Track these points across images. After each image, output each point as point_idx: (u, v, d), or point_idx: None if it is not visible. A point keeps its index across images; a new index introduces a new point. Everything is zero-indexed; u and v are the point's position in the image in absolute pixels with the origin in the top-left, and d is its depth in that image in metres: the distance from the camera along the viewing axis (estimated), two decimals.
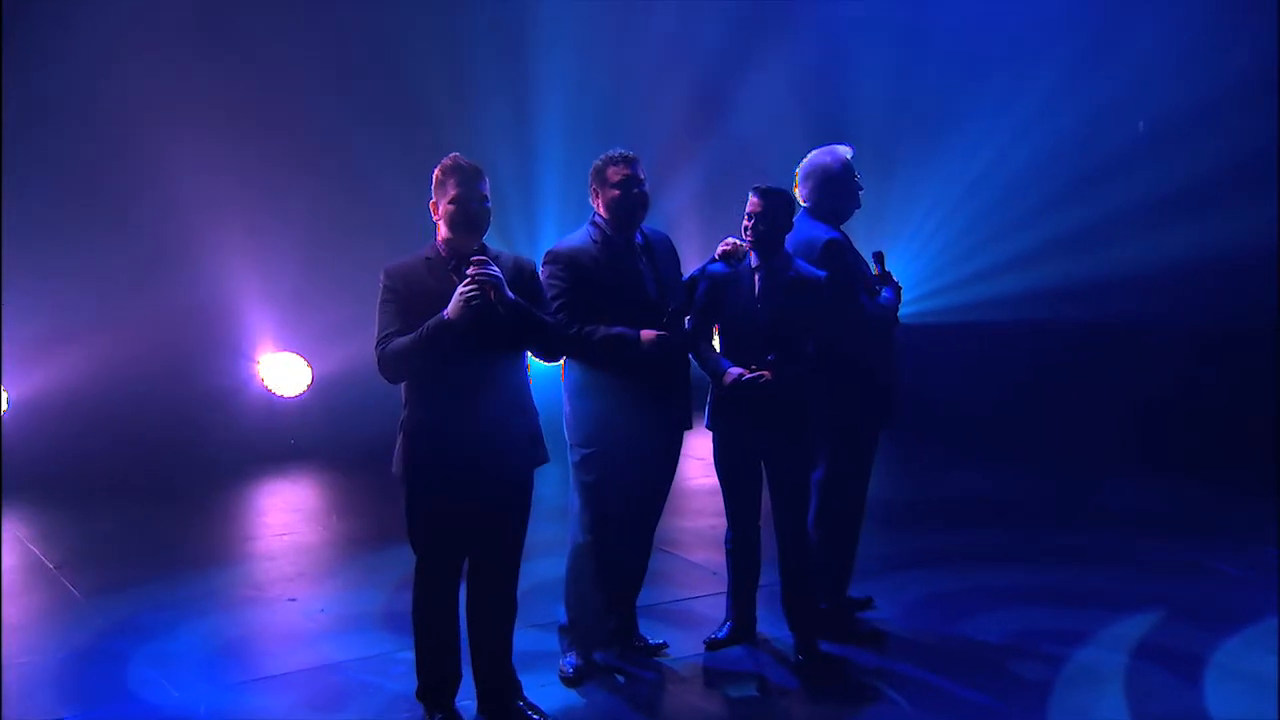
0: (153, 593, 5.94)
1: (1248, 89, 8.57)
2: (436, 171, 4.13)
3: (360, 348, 8.71)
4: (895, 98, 10.17)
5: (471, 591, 4.30)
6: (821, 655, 4.97)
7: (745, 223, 4.80)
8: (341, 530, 7.30)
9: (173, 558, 6.56)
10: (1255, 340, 8.31)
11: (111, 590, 5.99)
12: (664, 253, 4.91)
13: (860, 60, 10.25)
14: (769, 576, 5.13)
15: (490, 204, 4.14)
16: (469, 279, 3.92)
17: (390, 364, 4.05)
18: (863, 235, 5.42)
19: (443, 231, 4.14)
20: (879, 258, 5.23)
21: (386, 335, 4.05)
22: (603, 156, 4.76)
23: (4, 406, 8.22)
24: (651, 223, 4.91)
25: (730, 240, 4.94)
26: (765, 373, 4.71)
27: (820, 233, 5.03)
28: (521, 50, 9.77)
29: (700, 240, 7.44)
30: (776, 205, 4.77)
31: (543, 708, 4.41)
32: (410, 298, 4.05)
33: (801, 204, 5.11)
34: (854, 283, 5.02)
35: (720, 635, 5.13)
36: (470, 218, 4.08)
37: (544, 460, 4.27)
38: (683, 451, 5.00)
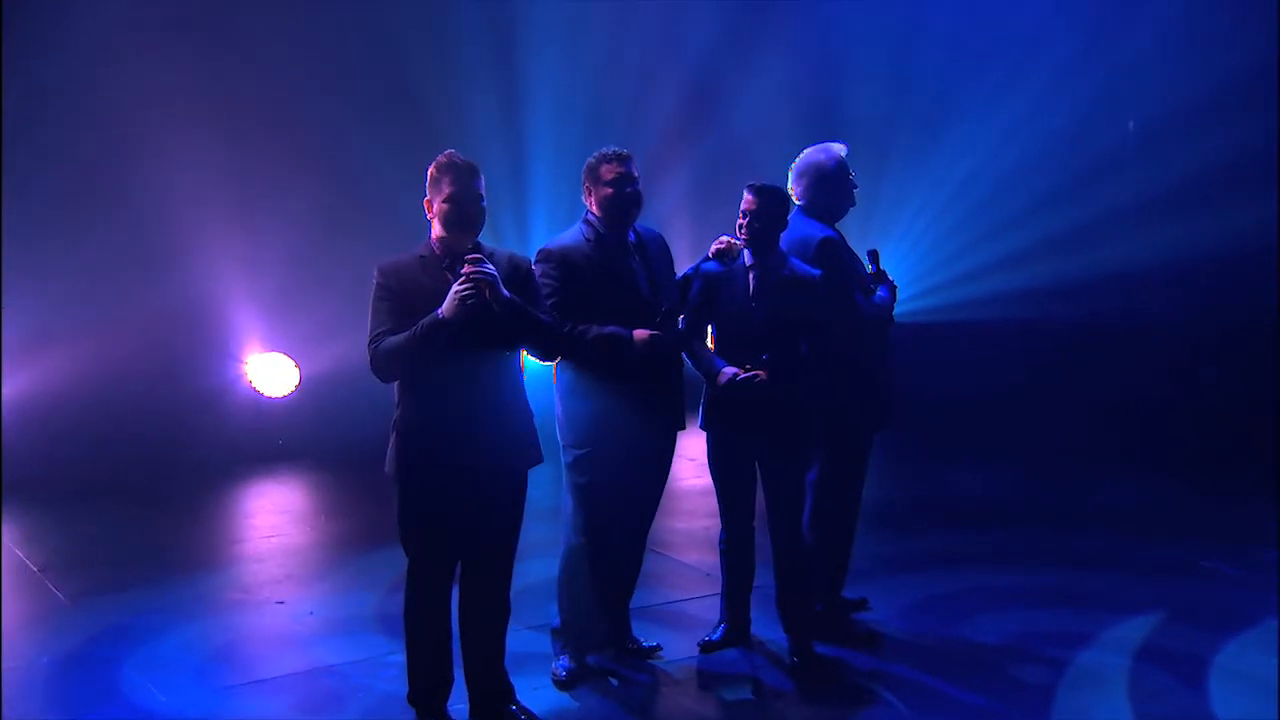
0: (139, 596, 5.88)
1: (1243, 86, 8.57)
2: (431, 169, 4.08)
3: (348, 348, 8.74)
4: (887, 96, 10.15)
5: (464, 594, 4.25)
6: (817, 657, 4.94)
7: (740, 220, 4.75)
8: (330, 532, 7.25)
9: (159, 560, 6.50)
10: (1254, 339, 8.31)
11: (97, 594, 5.92)
12: (657, 251, 4.87)
13: (852, 58, 10.22)
14: (763, 578, 5.09)
15: (485, 202, 4.09)
16: (464, 277, 3.87)
17: (383, 362, 4.00)
18: (854, 233, 5.38)
19: (437, 230, 4.09)
20: (874, 256, 5.19)
21: (379, 333, 4.00)
22: (596, 154, 4.71)
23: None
24: (643, 221, 4.87)
25: (724, 238, 4.90)
26: (760, 372, 4.66)
27: (815, 231, 5.00)
28: (513, 47, 9.71)
29: (692, 238, 7.41)
30: (771, 203, 4.73)
31: (535, 711, 4.37)
32: (404, 296, 4.01)
33: (796, 202, 5.06)
34: (849, 281, 4.99)
35: (714, 637, 5.09)
36: (465, 216, 4.03)
37: (538, 461, 4.23)
38: (675, 452, 4.95)
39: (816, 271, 4.84)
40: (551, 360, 4.53)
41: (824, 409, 4.96)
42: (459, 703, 4.33)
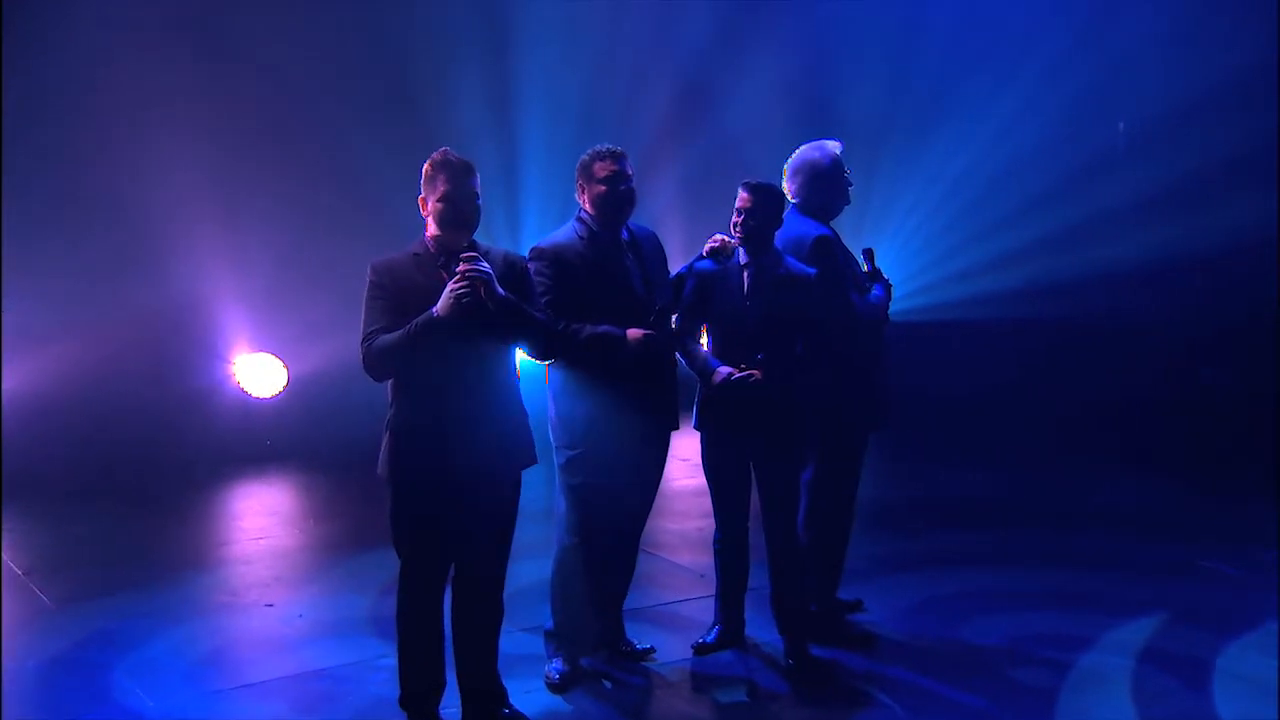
0: (126, 599, 5.81)
1: (1237, 84, 8.57)
2: (426, 166, 4.03)
3: (337, 348, 8.70)
4: (880, 93, 10.13)
5: (457, 596, 4.20)
6: (812, 659, 4.90)
7: (734, 218, 4.72)
8: (319, 534, 7.19)
9: (146, 563, 6.44)
10: (1254, 337, 8.30)
11: (83, 597, 5.85)
12: (651, 250, 4.83)
13: (846, 55, 10.21)
14: (758, 579, 5.05)
15: (480, 200, 4.04)
16: (459, 275, 3.83)
17: (376, 361, 3.95)
18: (847, 230, 5.35)
19: (432, 228, 4.05)
20: (869, 255, 5.16)
21: (373, 331, 3.96)
22: (589, 152, 4.67)
23: None
24: (635, 218, 4.83)
25: (718, 237, 4.87)
26: (755, 372, 4.63)
27: (810, 229, 4.97)
28: (505, 44, 9.68)
29: (684, 236, 7.37)
30: (767, 201, 4.69)
31: (528, 714, 4.32)
32: (398, 294, 3.96)
33: (790, 200, 5.02)
34: (844, 280, 4.95)
35: (708, 639, 5.05)
36: (460, 215, 3.99)
37: (532, 462, 4.19)
38: (669, 452, 4.91)
39: (812, 270, 4.80)
40: (546, 360, 4.48)
41: (819, 408, 4.93)
42: (451, 706, 4.27)
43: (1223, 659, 4.91)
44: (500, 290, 3.88)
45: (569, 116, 9.47)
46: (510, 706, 4.30)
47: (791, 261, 4.79)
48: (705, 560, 5.43)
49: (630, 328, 4.56)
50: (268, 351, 9.33)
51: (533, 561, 5.06)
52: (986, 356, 9.57)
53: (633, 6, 10.01)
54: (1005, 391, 9.39)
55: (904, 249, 10.15)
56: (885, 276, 5.15)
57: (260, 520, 7.57)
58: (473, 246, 3.95)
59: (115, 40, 8.34)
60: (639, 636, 5.03)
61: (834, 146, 5.10)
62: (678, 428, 4.86)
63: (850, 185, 5.15)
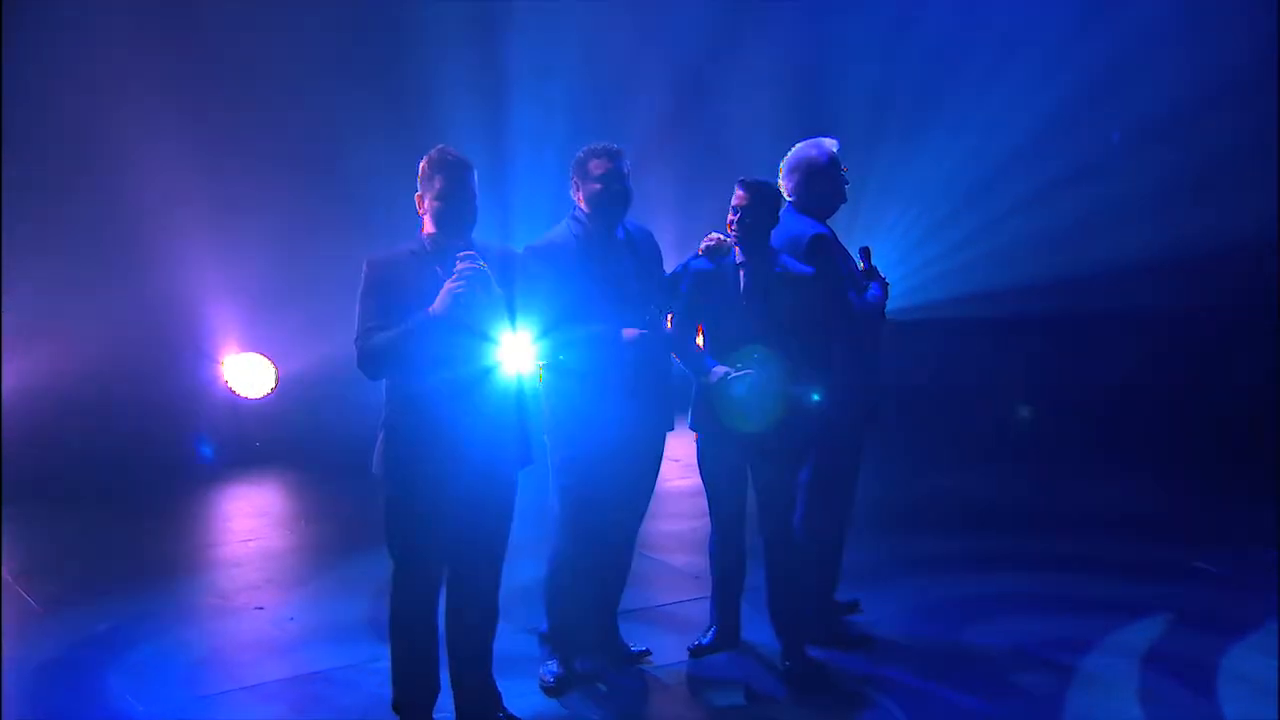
0: (114, 602, 5.75)
1: (1235, 82, 8.55)
2: (423, 164, 4.00)
3: (327, 348, 8.64)
4: (874, 89, 10.08)
5: (451, 598, 4.16)
6: (809, 661, 4.85)
7: (730, 216, 4.68)
8: (309, 536, 7.15)
9: (134, 566, 6.37)
10: (1253, 336, 8.28)
11: (70, 600, 5.79)
12: (646, 249, 4.78)
13: (838, 52, 10.17)
14: (754, 580, 5.01)
15: (478, 199, 4.00)
16: (456, 274, 3.78)
17: (371, 359, 3.91)
18: (840, 228, 5.31)
19: (428, 225, 4.01)
20: (865, 253, 5.12)
21: (368, 329, 3.91)
22: (584, 149, 4.63)
23: None
24: (627, 216, 4.76)
25: (714, 235, 4.82)
26: (751, 371, 4.58)
27: (806, 228, 4.92)
28: (496, 40, 9.62)
29: (676, 235, 7.32)
30: (763, 198, 4.65)
31: (522, 718, 4.28)
32: (393, 290, 3.93)
33: (786, 198, 4.98)
34: (841, 279, 4.91)
35: (704, 641, 5.01)
36: (458, 215, 3.95)
37: (528, 462, 4.16)
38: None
39: (808, 269, 4.76)
40: (542, 359, 4.46)
41: (816, 408, 4.87)
42: (445, 710, 4.23)
43: (1222, 660, 4.88)
44: (498, 290, 3.83)
45: (560, 113, 9.42)
46: (505, 710, 4.26)
47: (788, 260, 4.75)
48: (700, 561, 5.39)
49: (625, 327, 4.52)
50: (257, 351, 9.26)
51: (527, 562, 5.01)
52: (982, 354, 9.53)
53: (625, 2, 9.96)
54: (1002, 390, 9.36)
55: (897, 246, 10.11)
56: (882, 275, 5.11)
57: (250, 522, 7.51)
58: (470, 245, 3.90)
59: (104, 37, 8.26)
60: (634, 639, 4.99)
61: (830, 144, 5.06)
62: (673, 428, 4.83)
63: (847, 183, 5.11)
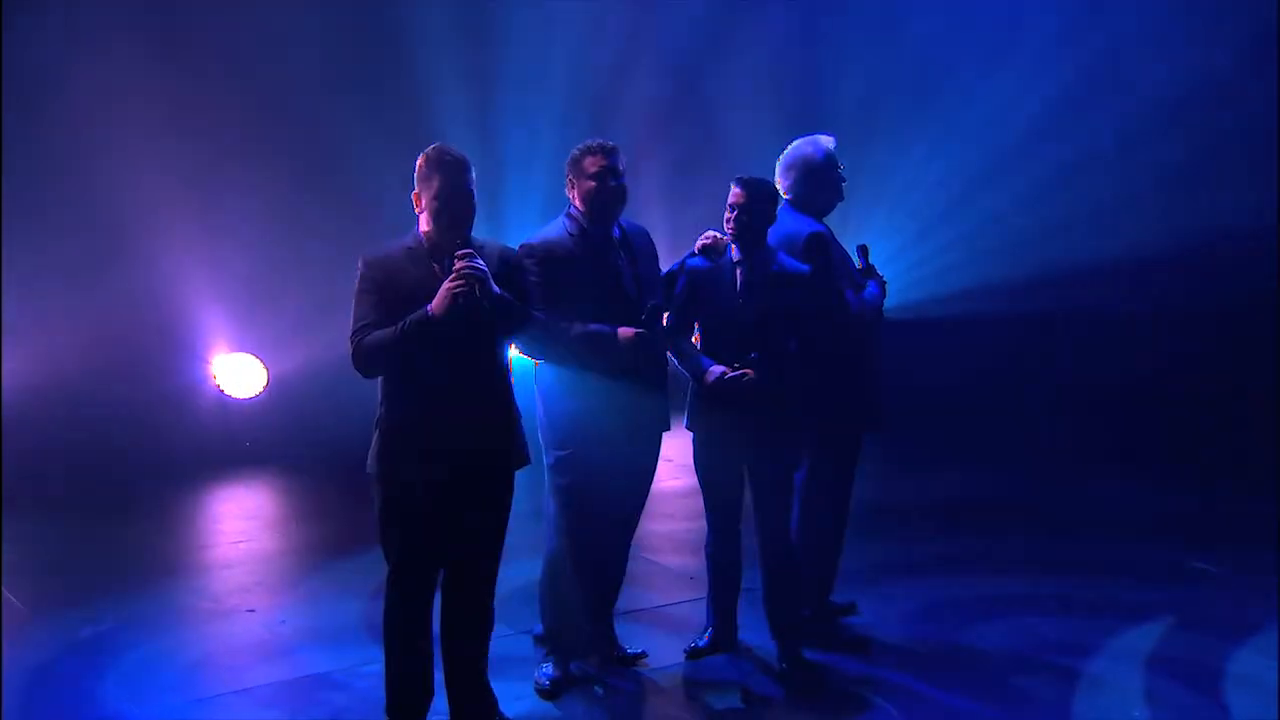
0: (103, 605, 5.68)
1: (1227, 80, 8.54)
2: (420, 162, 3.94)
3: (318, 347, 8.57)
4: (869, 83, 10.05)
5: (446, 600, 4.11)
6: (806, 663, 4.82)
7: (727, 215, 4.64)
8: (301, 537, 7.10)
9: (124, 568, 6.32)
10: (1253, 334, 8.26)
11: (58, 604, 5.72)
12: (642, 247, 4.74)
13: (833, 45, 10.14)
14: (750, 581, 4.98)
15: (475, 198, 3.95)
16: (455, 274, 3.74)
17: (367, 358, 3.86)
18: (834, 226, 5.27)
19: (425, 224, 3.96)
20: (863, 251, 5.09)
21: (363, 326, 3.87)
22: (580, 146, 4.58)
23: None
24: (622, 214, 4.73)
25: (711, 233, 4.78)
26: (748, 371, 4.55)
27: (803, 226, 4.89)
28: (487, 35, 9.59)
29: (669, 232, 7.28)
30: (760, 196, 4.62)
31: None
32: (389, 288, 3.88)
33: (783, 196, 4.94)
34: (839, 277, 4.87)
35: (701, 644, 4.97)
36: (456, 216, 3.90)
37: (525, 462, 4.10)
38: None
39: (805, 267, 4.72)
40: (540, 358, 4.42)
41: (813, 408, 4.84)
42: (439, 714, 4.17)
43: (1222, 662, 4.86)
44: (495, 288, 3.80)
45: (552, 109, 9.39)
46: (500, 714, 4.21)
47: (785, 258, 4.71)
48: (696, 562, 5.35)
49: (621, 326, 4.48)
50: (247, 351, 9.23)
51: (522, 564, 4.97)
52: (976, 353, 9.51)
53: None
54: (997, 389, 9.33)
55: (891, 243, 10.07)
56: (879, 273, 5.08)
57: (240, 523, 7.46)
58: (468, 243, 3.86)
59: (91, 36, 8.24)
60: (630, 640, 4.96)
61: (827, 142, 5.04)
62: (669, 428, 4.78)
63: (844, 181, 5.08)
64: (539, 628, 4.77)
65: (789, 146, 5.06)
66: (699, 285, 4.70)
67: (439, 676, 4.16)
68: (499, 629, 4.28)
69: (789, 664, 4.79)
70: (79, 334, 8.22)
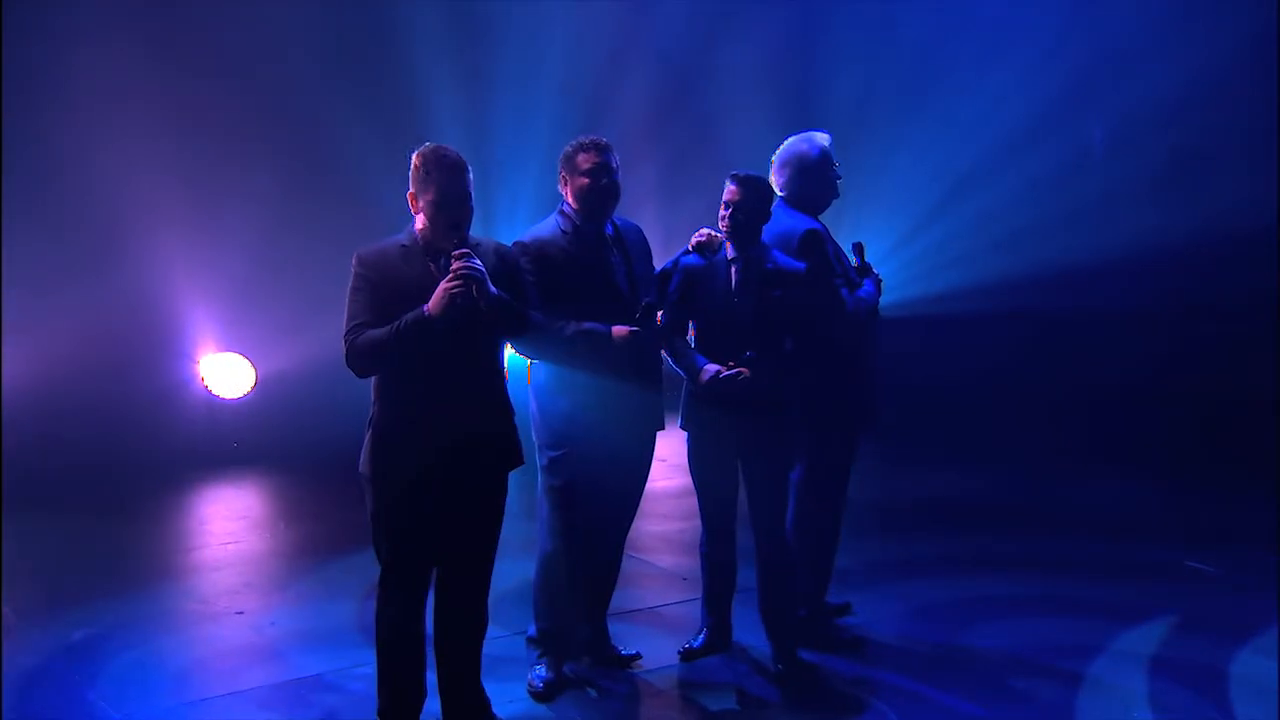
0: (90, 608, 5.61)
1: (1223, 80, 8.53)
2: (417, 161, 3.87)
3: (306, 347, 8.49)
4: (864, 80, 10.03)
5: (440, 602, 4.06)
6: (802, 664, 4.80)
7: (722, 212, 4.60)
8: (290, 538, 7.04)
9: (110, 570, 6.24)
10: (1253, 335, 8.24)
11: (44, 606, 5.65)
12: (636, 244, 4.72)
13: (827, 40, 10.12)
14: (744, 581, 4.94)
15: (473, 200, 3.90)
16: (453, 274, 3.69)
17: (361, 357, 3.81)
18: (828, 223, 5.24)
19: (421, 223, 3.90)
20: (859, 249, 5.06)
21: (357, 325, 3.81)
22: (573, 143, 4.55)
23: None
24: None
25: (705, 231, 4.74)
26: (743, 370, 4.51)
27: (799, 223, 4.86)
28: (478, 32, 9.54)
29: (663, 230, 7.25)
30: (754, 193, 4.58)
31: None
32: (384, 286, 3.82)
33: (778, 193, 4.91)
34: (834, 275, 4.84)
35: (695, 644, 4.93)
36: (453, 220, 3.84)
37: (519, 463, 4.06)
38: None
39: (801, 265, 4.69)
40: (533, 356, 4.39)
41: (808, 406, 4.81)
42: (431, 716, 4.12)
43: (1221, 663, 4.84)
44: (493, 289, 3.76)
45: (544, 106, 9.35)
46: (493, 717, 4.15)
47: (780, 256, 4.68)
48: (689, 562, 5.32)
49: (615, 325, 4.44)
50: (235, 351, 9.16)
51: (515, 564, 4.94)
52: (972, 351, 9.47)
53: None
54: (993, 387, 9.31)
55: (884, 241, 10.04)
56: (875, 271, 5.05)
57: (228, 524, 7.39)
58: (465, 242, 3.81)
59: (81, 33, 8.17)
60: (624, 641, 4.92)
61: (822, 138, 5.00)
62: (663, 428, 4.76)
63: (839, 178, 5.05)
64: (532, 629, 4.73)
65: (784, 143, 5.03)
66: (693, 283, 4.67)
67: (431, 678, 4.11)
68: (492, 630, 4.23)
69: (784, 665, 4.76)
70: (64, 333, 8.13)
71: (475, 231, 3.98)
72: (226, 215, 8.74)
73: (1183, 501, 7.46)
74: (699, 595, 5.01)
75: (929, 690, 4.65)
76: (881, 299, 5.08)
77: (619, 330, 4.43)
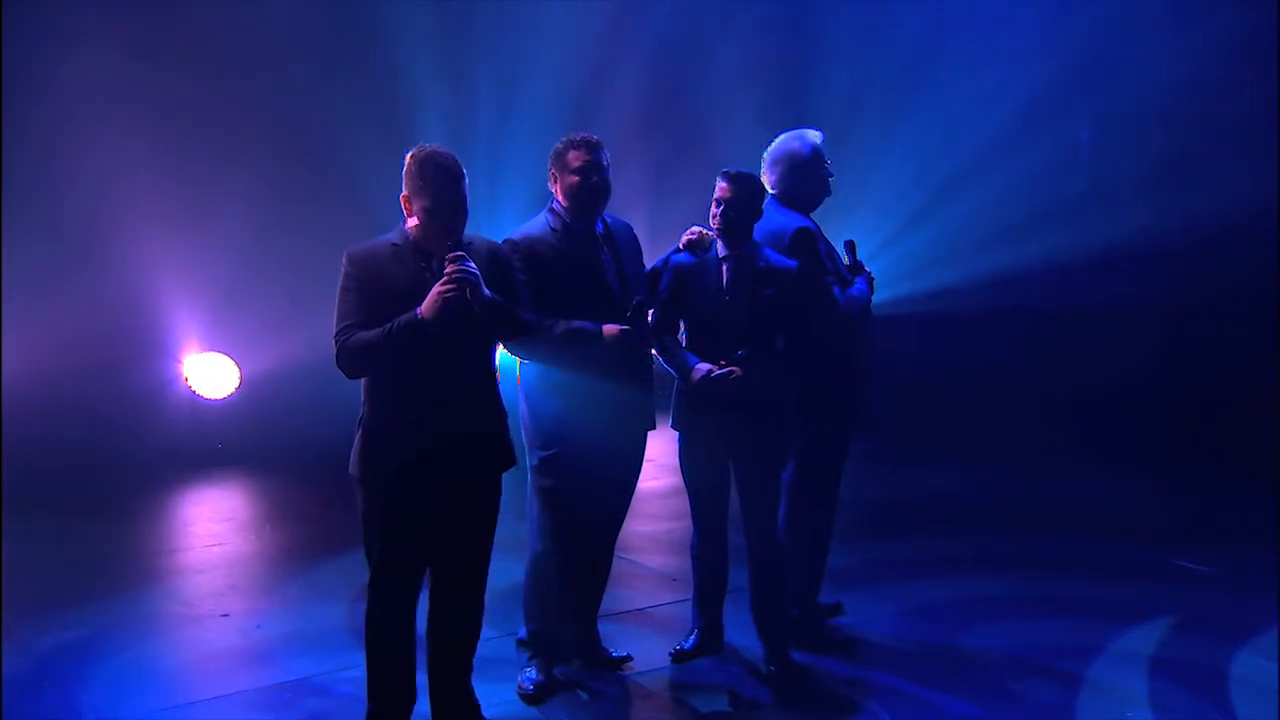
0: (73, 611, 5.56)
1: (1231, 62, 8.51)
2: (411, 163, 3.81)
3: (291, 347, 8.43)
4: (854, 78, 10.01)
5: (434, 605, 4.01)
6: (794, 665, 4.77)
7: (713, 209, 4.57)
8: (275, 540, 6.97)
9: (94, 573, 6.19)
10: (1253, 333, 8.23)
11: (28, 609, 5.57)
12: (626, 242, 4.68)
13: (817, 39, 10.10)
14: (736, 581, 4.91)
15: (468, 204, 3.84)
16: (446, 277, 3.64)
17: (352, 359, 3.75)
18: (820, 221, 5.21)
19: (413, 223, 3.84)
20: (851, 247, 5.02)
21: (348, 325, 3.75)
22: (563, 139, 4.51)
23: None
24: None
25: (696, 229, 4.71)
26: (735, 369, 4.48)
27: (790, 221, 4.83)
28: (469, 30, 9.50)
29: (653, 228, 7.21)
30: (746, 191, 4.55)
31: None
32: (375, 286, 3.77)
33: (769, 191, 4.87)
34: (826, 273, 4.81)
35: (686, 646, 4.90)
36: (448, 225, 3.78)
37: (511, 463, 4.01)
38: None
39: (792, 263, 4.66)
40: (523, 355, 4.37)
41: (800, 405, 4.78)
42: (419, 719, 4.07)
43: (1220, 663, 4.81)
44: (487, 291, 3.71)
45: (534, 104, 9.31)
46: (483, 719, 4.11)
47: (771, 254, 4.65)
48: (679, 563, 5.29)
49: (606, 323, 4.41)
50: (219, 351, 9.11)
51: (505, 566, 4.86)
52: (967, 350, 9.45)
53: None
54: (988, 386, 9.29)
55: (875, 238, 10.02)
56: (867, 269, 5.01)
57: (212, 526, 7.33)
58: (459, 244, 3.75)
59: (68, 36, 8.12)
60: (615, 643, 4.89)
61: (814, 136, 4.98)
62: (654, 428, 4.72)
63: (831, 176, 5.02)
64: (522, 631, 4.69)
65: (775, 141, 5.00)
66: (684, 281, 4.63)
67: (422, 680, 4.06)
68: (482, 632, 4.19)
69: (776, 666, 4.73)
70: (47, 334, 8.07)
71: (468, 230, 3.92)
72: (209, 215, 8.69)
73: (1181, 501, 7.44)
74: (690, 596, 4.98)
75: (922, 691, 4.63)
76: (873, 297, 5.06)
77: (610, 329, 4.41)
